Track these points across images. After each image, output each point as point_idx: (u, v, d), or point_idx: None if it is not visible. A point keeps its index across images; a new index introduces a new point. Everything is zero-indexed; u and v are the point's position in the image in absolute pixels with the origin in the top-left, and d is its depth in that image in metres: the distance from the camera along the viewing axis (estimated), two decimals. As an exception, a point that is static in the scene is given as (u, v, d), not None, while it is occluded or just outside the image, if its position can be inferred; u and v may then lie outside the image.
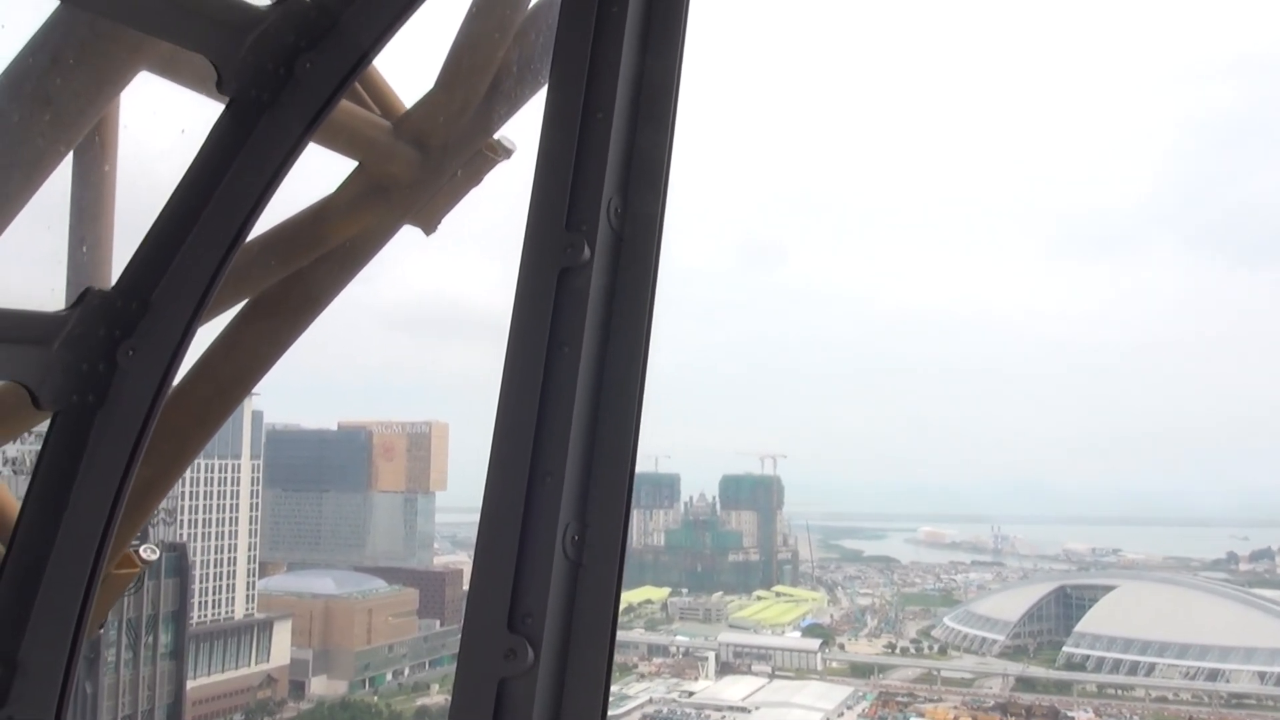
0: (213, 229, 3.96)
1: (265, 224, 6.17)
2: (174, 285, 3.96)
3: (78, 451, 3.81)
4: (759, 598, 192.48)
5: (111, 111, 6.22)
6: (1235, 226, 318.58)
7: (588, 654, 2.94)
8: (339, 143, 6.20)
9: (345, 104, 6.04)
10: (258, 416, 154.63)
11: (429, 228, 6.87)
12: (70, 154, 5.83)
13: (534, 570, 2.95)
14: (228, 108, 3.97)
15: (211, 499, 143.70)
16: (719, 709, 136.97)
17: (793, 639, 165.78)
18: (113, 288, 3.94)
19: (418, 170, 6.49)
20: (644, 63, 3.48)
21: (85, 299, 3.85)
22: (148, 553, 6.29)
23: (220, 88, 3.94)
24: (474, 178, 6.86)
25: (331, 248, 6.53)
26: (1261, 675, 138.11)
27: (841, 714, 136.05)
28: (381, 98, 6.47)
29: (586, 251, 3.18)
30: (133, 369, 3.89)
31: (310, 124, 3.94)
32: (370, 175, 6.48)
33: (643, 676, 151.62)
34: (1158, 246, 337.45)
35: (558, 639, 2.93)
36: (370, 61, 4.02)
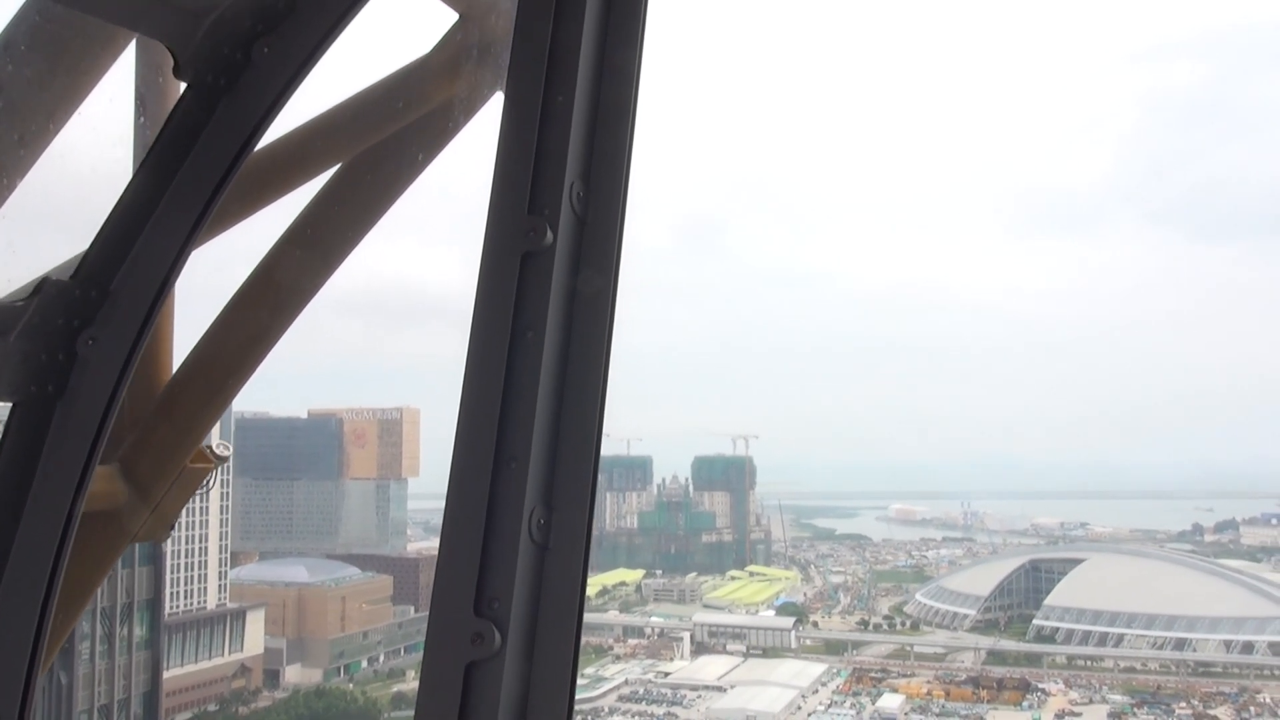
0: (172, 216, 3.92)
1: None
2: (134, 273, 3.91)
3: (38, 443, 3.77)
4: (733, 578, 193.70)
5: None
6: (1194, 204, 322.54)
7: (555, 636, 2.95)
8: None
9: None
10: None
11: None
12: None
13: (500, 554, 2.95)
14: (185, 93, 3.92)
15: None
16: (695, 689, 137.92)
17: (767, 618, 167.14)
18: (71, 276, 3.89)
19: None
20: (605, 46, 3.46)
21: (43, 288, 3.81)
22: (221, 449, 6.09)
23: (177, 73, 3.89)
24: None
25: (429, 109, 6.17)
26: (1227, 644, 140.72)
27: (816, 690, 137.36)
28: None
29: (549, 235, 3.17)
30: (93, 359, 3.85)
31: (269, 109, 3.90)
32: (470, 31, 6.16)
33: (618, 658, 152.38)
34: (1119, 224, 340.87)
35: (525, 622, 2.93)
36: (329, 46, 3.97)
